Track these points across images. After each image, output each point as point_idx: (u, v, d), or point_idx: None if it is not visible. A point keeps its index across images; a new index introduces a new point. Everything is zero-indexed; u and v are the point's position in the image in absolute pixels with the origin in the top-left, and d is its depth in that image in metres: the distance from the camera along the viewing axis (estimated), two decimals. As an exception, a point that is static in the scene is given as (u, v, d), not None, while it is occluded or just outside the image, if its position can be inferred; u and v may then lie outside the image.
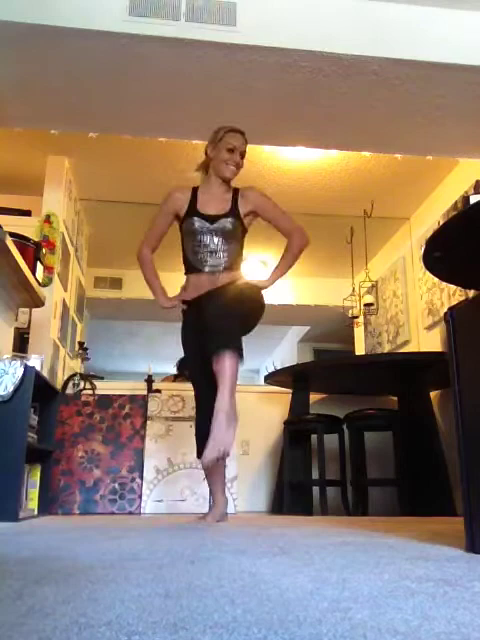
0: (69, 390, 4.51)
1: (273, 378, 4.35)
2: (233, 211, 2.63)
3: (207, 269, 2.59)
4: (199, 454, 2.52)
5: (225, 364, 2.18)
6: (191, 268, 2.65)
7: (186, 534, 1.86)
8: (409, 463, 3.79)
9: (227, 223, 2.60)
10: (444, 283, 4.63)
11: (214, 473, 2.57)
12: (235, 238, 2.63)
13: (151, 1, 3.00)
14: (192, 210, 2.64)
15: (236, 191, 2.70)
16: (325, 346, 8.69)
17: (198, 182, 2.77)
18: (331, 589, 0.81)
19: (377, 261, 6.51)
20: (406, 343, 5.59)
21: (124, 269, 6.89)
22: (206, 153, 2.73)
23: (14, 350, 3.56)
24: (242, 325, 2.38)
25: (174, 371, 5.63)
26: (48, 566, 1.04)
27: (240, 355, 2.23)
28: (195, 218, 2.62)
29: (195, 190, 2.70)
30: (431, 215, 5.23)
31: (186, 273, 2.71)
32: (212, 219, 2.60)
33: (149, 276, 2.78)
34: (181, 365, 5.10)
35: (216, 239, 2.59)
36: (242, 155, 2.67)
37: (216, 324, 2.26)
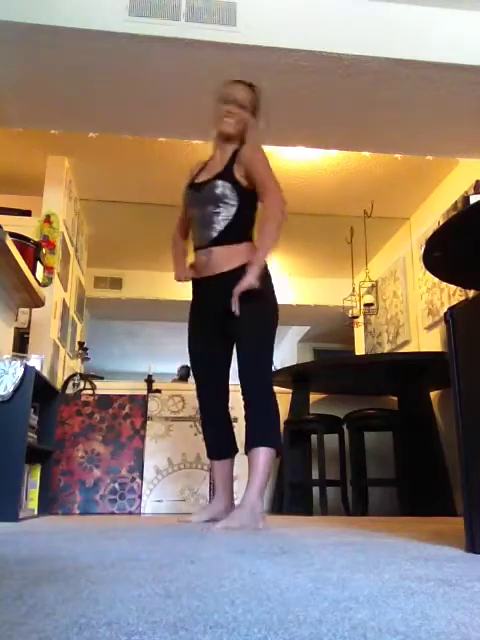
0: (69, 390, 4.51)
1: (273, 378, 4.35)
2: (224, 173, 2.32)
3: (197, 244, 2.37)
4: (209, 454, 2.51)
5: (259, 459, 2.13)
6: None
7: (186, 534, 1.86)
8: (409, 463, 3.79)
9: (214, 189, 2.30)
10: (444, 283, 4.63)
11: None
12: (227, 202, 2.28)
13: (151, 1, 3.00)
14: (193, 180, 2.45)
15: (237, 150, 2.38)
16: (325, 346, 8.70)
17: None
18: (331, 589, 0.81)
19: (377, 261, 6.51)
20: (406, 343, 5.59)
21: (124, 269, 6.90)
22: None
23: (14, 350, 3.56)
24: (271, 348, 2.35)
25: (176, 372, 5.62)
26: (48, 566, 1.04)
27: (279, 447, 2.17)
28: (188, 191, 2.43)
29: (202, 164, 2.51)
30: (431, 215, 5.23)
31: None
32: (200, 187, 2.36)
33: (174, 253, 2.61)
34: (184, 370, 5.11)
35: (204, 208, 2.31)
36: (241, 105, 2.34)
37: (256, 416, 2.18)
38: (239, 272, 2.20)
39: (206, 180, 2.35)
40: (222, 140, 2.41)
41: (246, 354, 2.28)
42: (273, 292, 2.36)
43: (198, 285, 2.42)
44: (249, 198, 2.33)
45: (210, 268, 2.31)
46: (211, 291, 2.35)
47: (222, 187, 2.29)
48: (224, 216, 2.29)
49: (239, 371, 2.27)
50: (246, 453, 2.21)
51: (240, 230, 2.33)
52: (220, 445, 2.47)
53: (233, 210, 2.30)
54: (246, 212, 2.34)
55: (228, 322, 2.28)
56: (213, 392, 2.46)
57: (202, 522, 2.35)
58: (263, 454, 2.14)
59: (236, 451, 2.51)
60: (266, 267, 2.29)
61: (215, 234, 2.29)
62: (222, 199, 2.29)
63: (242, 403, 2.28)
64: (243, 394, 2.26)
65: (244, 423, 2.26)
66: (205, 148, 4.53)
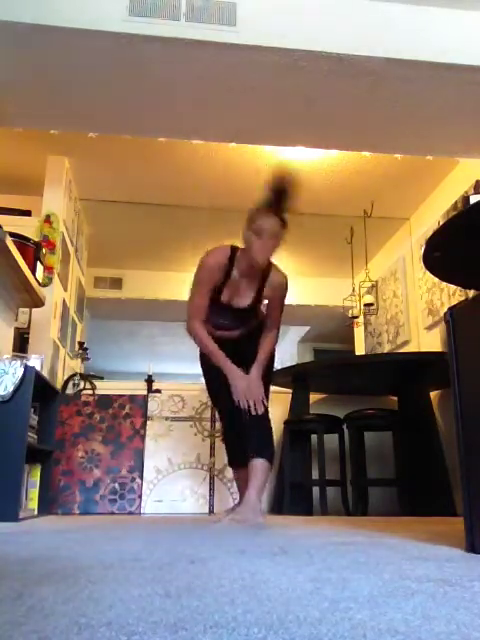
0: (69, 390, 4.51)
1: (273, 379, 4.35)
2: (253, 305, 2.65)
3: (220, 331, 2.70)
4: (229, 462, 2.87)
5: (257, 469, 2.47)
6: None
7: (186, 534, 1.86)
8: (409, 463, 3.79)
9: (245, 314, 2.66)
10: (444, 283, 4.63)
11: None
12: (252, 316, 2.70)
13: (151, 1, 3.00)
14: (219, 294, 2.59)
15: (265, 275, 2.61)
16: (325, 346, 8.69)
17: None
18: (331, 589, 0.81)
19: (377, 261, 6.51)
20: (406, 343, 5.59)
21: (124, 269, 6.90)
22: (243, 237, 2.55)
23: (14, 350, 3.56)
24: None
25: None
26: (48, 566, 1.04)
27: (272, 461, 2.56)
28: (220, 307, 2.61)
29: (233, 258, 2.57)
30: (431, 215, 5.23)
31: None
32: (235, 312, 2.64)
33: (214, 350, 2.60)
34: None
35: (231, 320, 2.67)
36: (274, 236, 2.49)
37: (256, 433, 2.55)
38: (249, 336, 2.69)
39: (239, 309, 2.63)
40: (251, 267, 2.57)
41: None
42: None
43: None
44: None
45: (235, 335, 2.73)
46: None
47: (249, 316, 2.67)
48: (243, 325, 2.71)
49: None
50: (245, 459, 2.56)
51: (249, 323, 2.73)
52: (242, 455, 2.69)
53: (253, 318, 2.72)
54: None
55: (242, 356, 2.63)
56: (232, 413, 2.69)
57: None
58: (261, 463, 2.49)
59: None
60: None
61: (239, 336, 2.72)
62: (245, 323, 2.70)
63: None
64: (251, 421, 2.56)
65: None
66: (205, 148, 4.55)
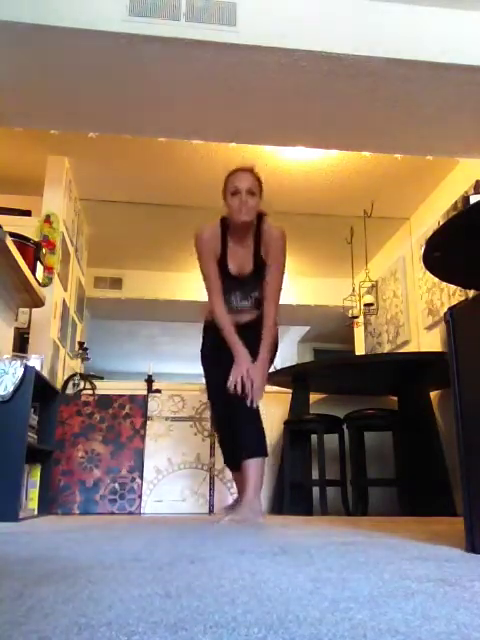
0: (69, 390, 4.51)
1: (273, 378, 4.35)
2: (256, 268, 2.65)
3: (234, 307, 2.70)
4: (225, 463, 2.86)
5: (251, 469, 2.48)
6: None
7: (186, 534, 1.86)
8: (409, 463, 3.79)
9: (253, 280, 2.66)
10: (444, 283, 4.63)
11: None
12: (261, 281, 2.67)
13: (151, 1, 3.00)
14: (223, 262, 2.65)
15: (258, 233, 2.64)
16: (325, 346, 8.69)
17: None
18: (331, 589, 0.81)
19: (377, 261, 6.51)
20: (406, 343, 5.59)
21: (124, 269, 6.90)
22: (225, 203, 2.65)
23: (14, 350, 3.56)
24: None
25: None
26: (48, 566, 1.04)
27: (267, 455, 2.57)
28: (223, 275, 2.65)
29: (224, 229, 2.65)
30: (431, 215, 5.23)
31: None
32: (238, 280, 2.66)
33: (231, 332, 2.62)
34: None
35: (242, 291, 2.68)
36: (251, 192, 2.56)
37: (246, 430, 2.54)
38: (254, 323, 2.67)
39: (242, 274, 2.65)
40: (240, 226, 2.61)
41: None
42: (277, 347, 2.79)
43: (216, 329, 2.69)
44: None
45: (239, 320, 2.70)
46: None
47: (257, 281, 2.65)
48: (253, 296, 2.70)
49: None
50: (240, 461, 2.56)
51: (260, 301, 2.71)
52: (238, 456, 2.69)
53: (259, 289, 2.70)
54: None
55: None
56: (228, 414, 2.68)
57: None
58: (255, 462, 2.50)
59: None
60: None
61: (248, 308, 2.71)
62: (255, 289, 2.69)
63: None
64: (235, 408, 2.56)
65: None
66: (205, 148, 4.55)
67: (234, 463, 2.72)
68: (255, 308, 2.71)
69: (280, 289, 2.68)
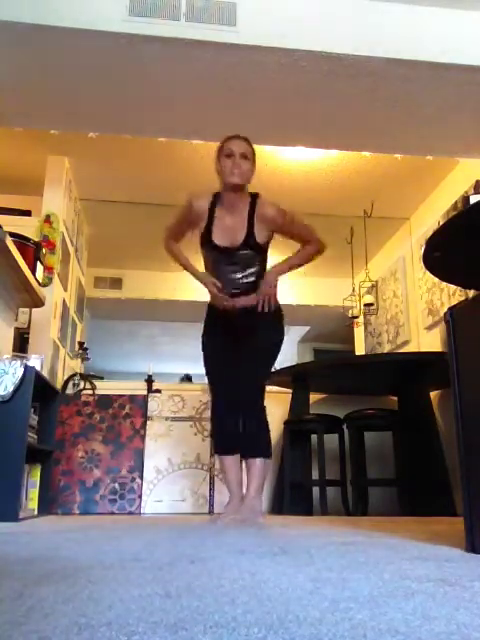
0: (69, 390, 4.51)
1: (273, 378, 4.35)
2: (248, 241, 2.55)
3: (227, 290, 2.59)
4: (217, 450, 2.70)
5: (257, 469, 2.48)
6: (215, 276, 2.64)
7: (186, 534, 1.86)
8: (409, 463, 3.79)
9: (244, 255, 2.57)
10: (444, 283, 4.63)
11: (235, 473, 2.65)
12: (255, 261, 2.60)
13: (151, 1, 3.00)
14: (207, 235, 2.58)
15: (252, 207, 2.59)
16: (325, 346, 8.69)
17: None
18: (331, 589, 0.81)
19: (377, 261, 6.51)
20: (406, 343, 5.59)
21: (124, 269, 6.90)
22: (217, 171, 2.64)
23: (14, 350, 3.55)
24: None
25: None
26: (48, 566, 1.04)
27: (271, 456, 2.57)
28: (210, 248, 2.58)
29: (214, 201, 2.63)
30: (431, 215, 5.23)
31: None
32: (228, 252, 2.56)
33: (185, 262, 2.71)
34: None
35: (229, 269, 2.58)
36: (244, 156, 2.55)
37: (254, 432, 2.53)
38: (256, 312, 2.55)
39: (232, 247, 2.55)
40: (231, 191, 2.58)
41: (250, 366, 2.58)
42: (283, 331, 2.72)
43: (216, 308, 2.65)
44: (265, 254, 2.65)
45: (236, 306, 2.60)
46: (234, 314, 2.61)
47: (250, 258, 2.57)
48: (248, 279, 2.59)
49: (241, 380, 2.56)
50: (244, 459, 2.56)
51: (262, 273, 2.61)
52: (236, 438, 2.63)
53: (255, 272, 2.60)
54: (263, 268, 2.64)
55: (244, 337, 2.60)
56: (229, 392, 2.63)
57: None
58: (260, 462, 2.50)
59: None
60: (281, 310, 2.68)
61: (239, 290, 2.58)
62: (249, 267, 2.59)
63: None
64: (241, 405, 2.56)
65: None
66: (205, 148, 4.54)
67: (232, 445, 2.60)
68: (247, 292, 2.59)
69: (317, 243, 2.62)
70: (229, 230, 2.56)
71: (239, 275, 2.58)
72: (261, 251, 2.61)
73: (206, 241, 2.59)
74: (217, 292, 2.55)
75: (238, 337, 2.62)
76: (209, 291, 2.59)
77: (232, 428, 2.60)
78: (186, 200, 2.67)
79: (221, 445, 2.65)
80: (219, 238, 2.56)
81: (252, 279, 2.59)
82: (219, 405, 2.66)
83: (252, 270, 2.59)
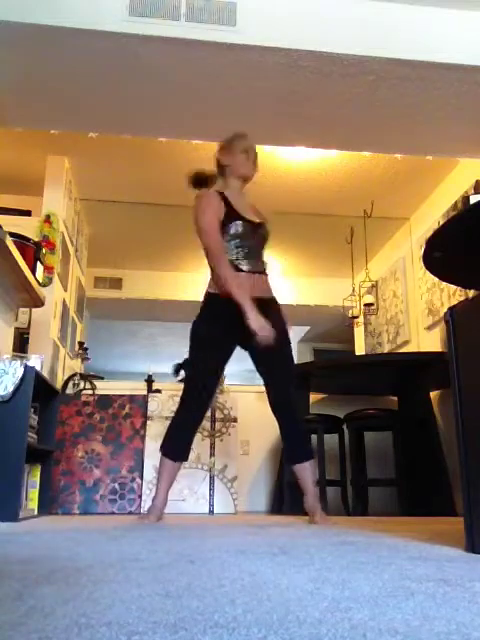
0: (69, 390, 4.51)
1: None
2: (261, 223, 2.73)
3: (245, 268, 2.58)
4: (168, 454, 2.54)
5: (310, 472, 2.57)
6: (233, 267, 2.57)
7: (186, 534, 1.86)
8: (409, 463, 3.79)
9: (266, 232, 2.74)
10: (444, 283, 4.63)
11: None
12: (265, 243, 2.76)
13: (151, 1, 2.99)
14: (234, 213, 2.61)
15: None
16: (325, 346, 8.69)
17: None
18: (331, 589, 0.81)
19: (377, 261, 6.51)
20: (406, 343, 5.59)
21: (124, 269, 6.90)
22: (219, 162, 2.75)
23: (14, 350, 3.55)
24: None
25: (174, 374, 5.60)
26: (48, 566, 1.04)
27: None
28: (240, 222, 2.61)
29: (222, 194, 2.66)
30: (431, 215, 5.23)
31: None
32: (255, 225, 2.68)
33: (242, 291, 2.46)
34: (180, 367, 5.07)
35: (256, 243, 2.68)
36: (256, 154, 2.76)
37: (302, 434, 2.65)
38: (272, 302, 2.65)
39: (258, 222, 2.70)
40: (242, 182, 2.75)
41: (284, 366, 2.62)
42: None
43: (230, 302, 2.44)
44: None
45: (257, 291, 2.56)
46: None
47: (266, 237, 2.74)
48: (263, 254, 2.73)
49: (280, 390, 2.61)
50: (293, 464, 2.61)
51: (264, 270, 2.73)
52: (187, 448, 2.58)
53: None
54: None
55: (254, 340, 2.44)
56: (205, 399, 2.61)
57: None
58: (310, 465, 2.59)
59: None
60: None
61: (263, 267, 2.69)
62: (266, 242, 2.75)
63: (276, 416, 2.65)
64: (286, 411, 2.62)
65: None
66: (205, 148, 4.54)
67: (183, 453, 2.55)
68: (263, 272, 2.66)
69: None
70: (246, 209, 2.70)
71: (263, 252, 2.71)
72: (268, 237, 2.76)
73: (232, 217, 2.58)
74: (265, 324, 2.40)
75: (239, 341, 2.56)
76: (256, 320, 2.40)
77: (189, 442, 2.57)
78: (201, 196, 2.60)
79: (173, 452, 2.54)
80: (243, 212, 2.67)
81: (262, 261, 2.70)
82: (189, 420, 2.57)
83: (263, 251, 2.72)
